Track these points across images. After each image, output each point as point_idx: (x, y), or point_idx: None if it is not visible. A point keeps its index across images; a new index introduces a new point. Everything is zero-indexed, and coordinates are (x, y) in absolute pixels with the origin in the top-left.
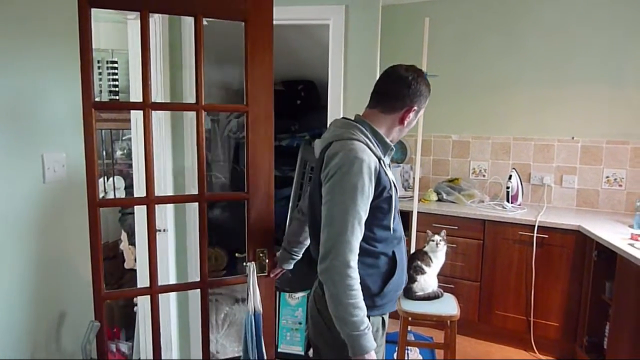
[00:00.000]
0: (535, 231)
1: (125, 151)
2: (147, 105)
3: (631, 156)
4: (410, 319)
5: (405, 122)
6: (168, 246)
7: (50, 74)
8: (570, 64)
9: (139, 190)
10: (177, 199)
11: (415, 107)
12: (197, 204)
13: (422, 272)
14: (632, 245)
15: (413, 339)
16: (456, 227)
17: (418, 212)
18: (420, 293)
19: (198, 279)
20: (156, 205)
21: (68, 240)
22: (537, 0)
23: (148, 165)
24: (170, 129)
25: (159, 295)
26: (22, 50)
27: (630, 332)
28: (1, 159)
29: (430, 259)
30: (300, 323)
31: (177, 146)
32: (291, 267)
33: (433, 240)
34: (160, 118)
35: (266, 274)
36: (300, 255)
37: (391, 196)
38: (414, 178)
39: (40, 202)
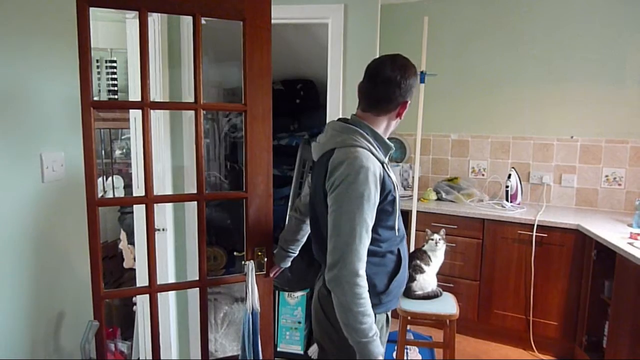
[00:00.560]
0: (535, 230)
1: (124, 150)
2: (145, 105)
3: (630, 155)
4: (409, 318)
5: (402, 115)
6: (167, 245)
7: (49, 73)
8: (570, 63)
9: (138, 190)
10: (176, 198)
11: (409, 100)
12: (196, 203)
13: (422, 271)
14: (631, 244)
15: (412, 338)
16: (455, 227)
17: (417, 211)
18: (419, 292)
19: (197, 278)
20: (155, 205)
21: (67, 240)
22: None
23: (147, 164)
24: (169, 128)
25: (158, 294)
26: (20, 49)
27: (630, 331)
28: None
29: (430, 257)
30: (299, 322)
31: (176, 145)
32: (288, 264)
33: (432, 239)
34: (159, 117)
35: (265, 272)
36: (297, 253)
37: (395, 198)
38: (413, 177)
39: (39, 202)
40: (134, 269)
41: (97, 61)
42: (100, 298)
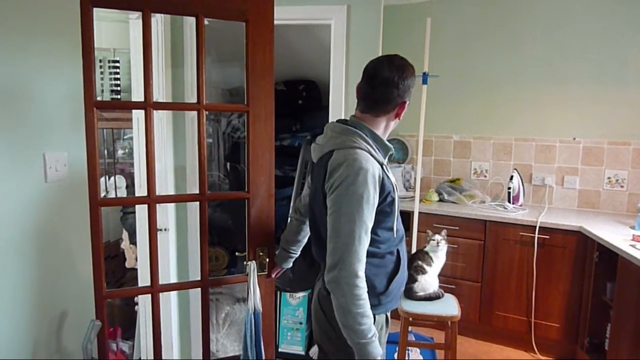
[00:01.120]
0: (537, 232)
1: (126, 150)
2: (148, 105)
3: (633, 157)
4: (410, 319)
5: (401, 116)
6: (169, 245)
7: (52, 72)
8: (572, 63)
9: (140, 190)
10: (178, 198)
11: (407, 100)
12: (198, 203)
13: (423, 271)
14: (633, 246)
15: (414, 339)
16: (457, 228)
17: (419, 212)
18: (421, 293)
19: (199, 278)
20: (157, 205)
21: (69, 239)
22: (539, 0)
23: (149, 164)
24: (171, 128)
25: (160, 294)
26: (23, 49)
27: (631, 333)
28: (3, 158)
29: (431, 258)
30: (300, 323)
31: (179, 145)
32: (290, 265)
33: (434, 240)
34: (161, 117)
35: (266, 273)
36: (298, 254)
37: (394, 199)
38: (415, 178)
39: (42, 201)
40: (136, 269)
41: (100, 61)
42: (103, 298)
